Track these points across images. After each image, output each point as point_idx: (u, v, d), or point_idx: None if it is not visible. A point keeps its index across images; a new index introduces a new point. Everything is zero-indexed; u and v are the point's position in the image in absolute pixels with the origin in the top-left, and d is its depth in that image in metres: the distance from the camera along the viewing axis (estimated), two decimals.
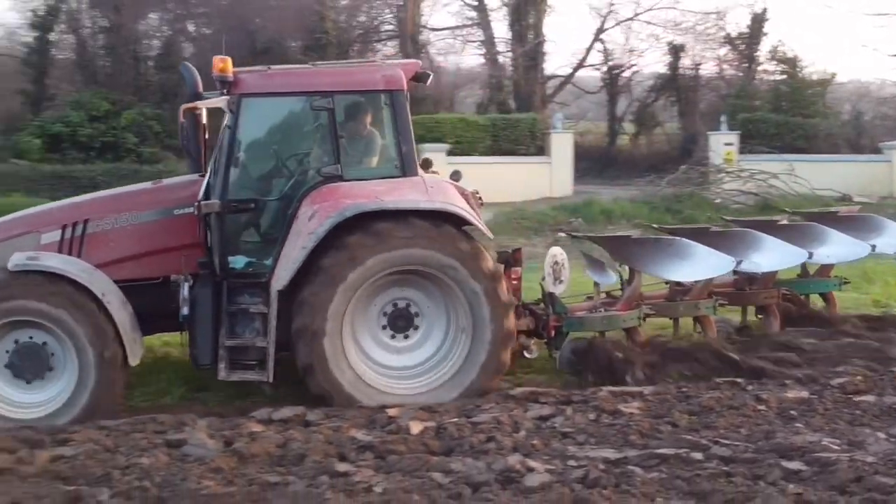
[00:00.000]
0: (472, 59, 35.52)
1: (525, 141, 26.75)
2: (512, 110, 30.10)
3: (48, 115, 27.39)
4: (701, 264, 8.63)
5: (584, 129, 34.67)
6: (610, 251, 9.50)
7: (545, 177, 25.38)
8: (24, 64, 29.08)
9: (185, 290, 7.77)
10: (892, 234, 10.02)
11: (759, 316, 9.78)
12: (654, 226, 12.03)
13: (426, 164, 9.12)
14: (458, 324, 7.79)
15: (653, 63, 36.89)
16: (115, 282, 7.82)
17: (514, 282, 8.52)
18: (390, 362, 7.96)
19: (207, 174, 8.10)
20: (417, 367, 7.94)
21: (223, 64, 7.78)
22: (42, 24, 28.92)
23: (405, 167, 7.98)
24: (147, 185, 9.28)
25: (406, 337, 7.98)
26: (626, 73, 34.43)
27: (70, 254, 8.05)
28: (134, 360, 7.70)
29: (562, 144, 26.25)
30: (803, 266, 9.90)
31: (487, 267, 7.72)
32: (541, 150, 26.62)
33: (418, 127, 25.08)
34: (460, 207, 7.81)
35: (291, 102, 8.41)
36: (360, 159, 8.28)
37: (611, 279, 9.47)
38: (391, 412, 6.96)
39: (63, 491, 5.51)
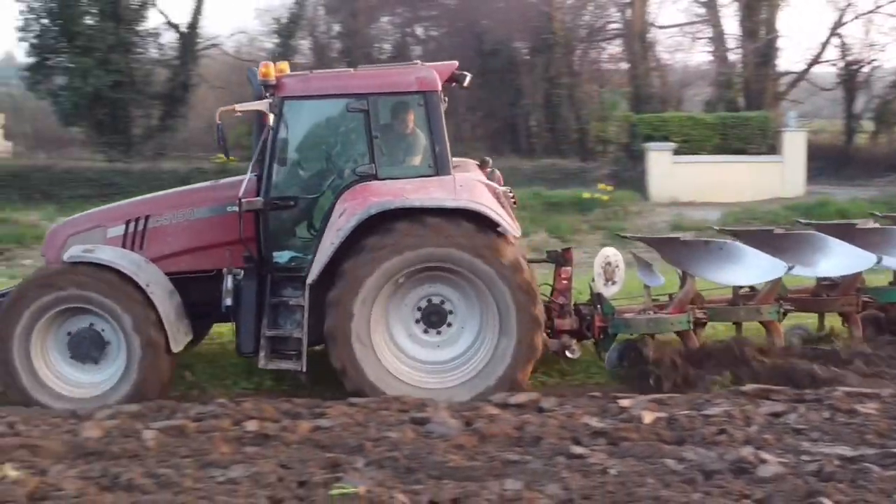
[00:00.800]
0: (700, 56, 34.88)
1: (755, 139, 25.98)
2: (741, 108, 29.28)
3: None
4: (751, 268, 8.47)
5: (818, 127, 33.10)
6: (661, 254, 9.38)
7: (776, 176, 24.57)
8: None
9: (227, 283, 8.36)
10: None
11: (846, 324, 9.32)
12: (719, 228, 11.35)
13: (483, 164, 9.35)
14: (489, 319, 8.04)
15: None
16: (173, 274, 8.52)
17: (565, 281, 8.73)
18: (424, 357, 8.30)
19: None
20: (452, 362, 8.23)
21: (266, 69, 8.26)
22: (285, 31, 31.11)
23: (438, 166, 8.24)
24: (207, 184, 9.92)
25: (439, 333, 8.31)
26: (866, 69, 32.54)
27: (132, 247, 8.74)
28: (176, 348, 8.26)
29: (795, 143, 25.30)
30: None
31: (509, 260, 7.87)
32: (772, 148, 25.77)
33: (645, 125, 25.27)
34: (485, 206, 7.93)
35: (330, 104, 8.78)
36: (394, 159, 8.56)
37: (659, 281, 9.26)
38: (623, 402, 7.21)
39: (323, 457, 6.21)
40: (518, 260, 8.05)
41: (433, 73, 8.41)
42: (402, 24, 33.28)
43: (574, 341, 8.65)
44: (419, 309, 8.35)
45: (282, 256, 8.52)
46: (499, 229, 7.98)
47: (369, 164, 8.32)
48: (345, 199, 8.15)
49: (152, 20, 30.15)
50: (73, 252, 8.41)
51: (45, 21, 28.12)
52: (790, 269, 8.44)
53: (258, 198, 8.33)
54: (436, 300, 8.31)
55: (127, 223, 8.88)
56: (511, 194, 8.88)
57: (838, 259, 8.72)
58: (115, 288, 8.10)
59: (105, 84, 26.26)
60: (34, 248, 16.26)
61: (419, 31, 33.75)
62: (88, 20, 27.88)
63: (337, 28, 32.84)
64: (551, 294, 8.90)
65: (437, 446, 6.32)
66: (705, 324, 9.06)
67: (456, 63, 9.03)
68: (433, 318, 8.33)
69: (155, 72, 29.75)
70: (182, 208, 8.97)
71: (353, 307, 7.88)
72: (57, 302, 8.15)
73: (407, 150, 8.66)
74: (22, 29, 28.36)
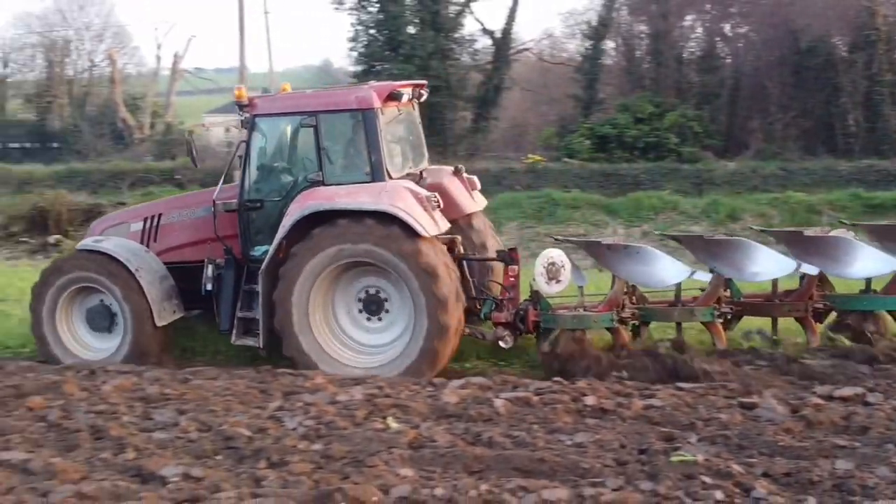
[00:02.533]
0: None
1: None
2: None
3: (597, 117, 30.34)
4: (666, 272, 9.15)
5: None
6: (591, 255, 10.25)
7: None
8: (577, 71, 32.48)
9: (208, 271, 9.82)
10: None
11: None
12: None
13: (457, 170, 10.54)
14: (410, 304, 9.08)
15: None
16: (177, 263, 10.18)
17: (512, 279, 9.56)
18: (368, 341, 9.54)
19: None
20: (391, 344, 9.40)
21: (238, 92, 9.81)
22: (595, 34, 32.05)
23: (374, 174, 9.36)
24: (209, 189, 10.96)
25: (380, 319, 9.52)
26: None
27: (147, 240, 10.43)
28: (160, 322, 9.81)
29: None
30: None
31: (413, 250, 8.85)
32: None
33: None
34: (399, 207, 8.93)
35: (289, 121, 10.04)
36: (338, 167, 9.73)
37: (584, 281, 9.84)
38: None
39: (658, 431, 6.97)
40: (420, 249, 8.88)
41: (371, 93, 9.57)
42: (710, 21, 33.09)
43: (507, 332, 9.46)
44: (360, 299, 9.56)
45: (256, 251, 9.80)
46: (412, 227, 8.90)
47: (318, 171, 9.56)
48: (296, 201, 9.42)
49: (468, 27, 32.32)
50: (83, 242, 10.48)
51: (373, 32, 31.07)
52: (692, 273, 9.17)
53: (233, 200, 9.85)
54: (372, 290, 9.48)
55: (145, 220, 10.61)
56: (435, 199, 9.36)
57: (761, 265, 9.16)
58: (112, 271, 9.83)
59: None
60: None
61: (726, 28, 33.36)
62: (411, 30, 30.48)
63: (643, 29, 33.30)
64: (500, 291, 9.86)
65: (766, 429, 6.87)
66: (648, 323, 9.69)
67: (393, 84, 10.14)
68: (372, 306, 9.53)
69: (469, 76, 31.78)
70: (185, 209, 10.63)
71: (291, 305, 9.19)
72: (68, 283, 10.01)
73: (348, 160, 9.86)
74: (352, 39, 31.54)
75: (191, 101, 50.14)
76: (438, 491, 5.63)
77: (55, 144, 45.12)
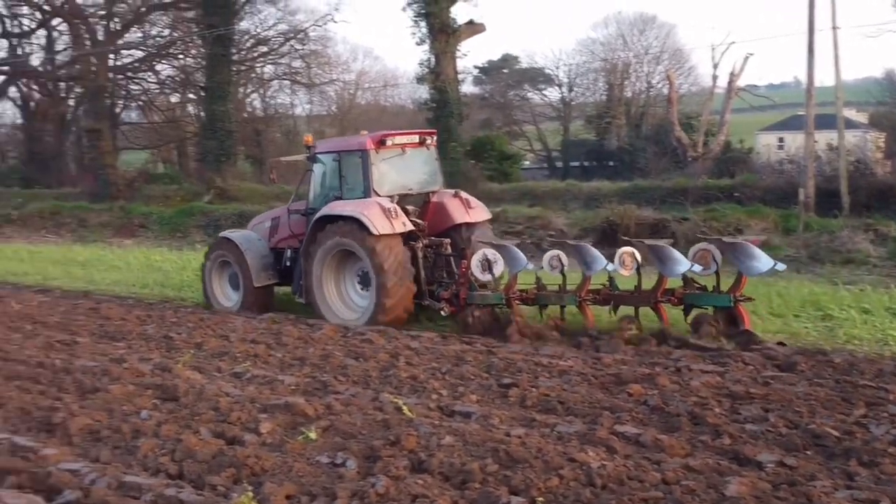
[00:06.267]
0: None
1: None
2: None
3: None
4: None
5: None
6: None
7: None
8: None
9: (287, 254, 15.62)
10: None
11: None
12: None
13: (456, 194, 15.10)
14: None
15: None
16: (280, 249, 15.80)
17: (463, 269, 13.44)
18: (359, 302, 14.42)
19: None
20: (366, 307, 14.06)
21: (307, 138, 15.65)
22: None
23: (365, 192, 14.15)
24: (301, 201, 15.84)
25: (367, 290, 14.10)
26: None
27: (270, 234, 16.12)
28: (257, 283, 15.45)
29: None
30: None
31: (370, 244, 13.39)
32: None
33: None
34: (362, 214, 13.48)
35: (329, 157, 15.06)
36: (349, 188, 14.57)
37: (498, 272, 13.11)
38: None
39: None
40: (372, 241, 13.36)
41: (366, 139, 14.41)
42: None
43: (445, 305, 13.63)
44: (358, 276, 14.48)
45: None
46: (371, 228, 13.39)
47: (339, 190, 14.69)
48: (322, 209, 14.48)
49: None
50: (224, 232, 17.21)
51: None
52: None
53: (301, 209, 15.46)
54: (364, 271, 14.15)
55: (271, 220, 16.42)
56: (394, 210, 13.68)
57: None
58: (232, 249, 15.77)
59: None
60: None
61: None
62: None
63: None
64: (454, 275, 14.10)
65: None
66: (532, 301, 13.22)
67: (387, 133, 14.79)
68: (365, 280, 14.17)
69: None
70: (284, 214, 16.08)
71: (311, 275, 14.48)
72: (216, 256, 16.20)
73: (354, 183, 14.52)
74: None
75: (744, 119, 50.73)
76: None
77: (611, 163, 48.84)
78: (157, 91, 51.90)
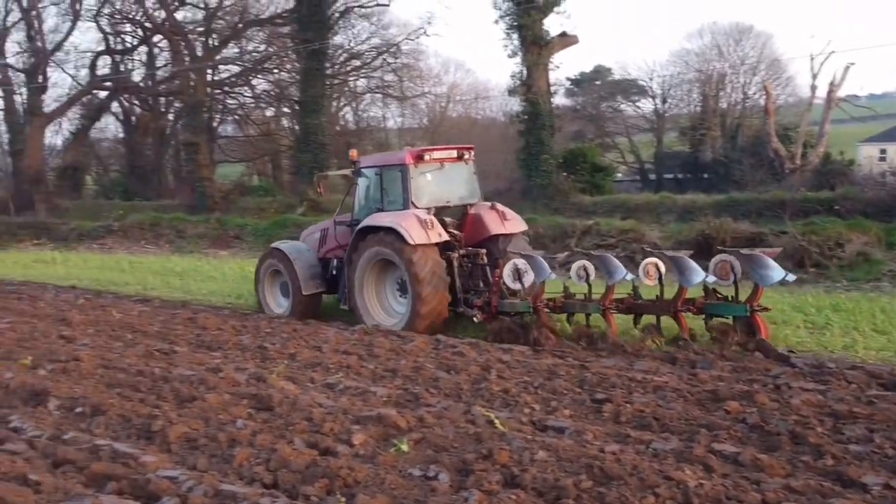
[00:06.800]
0: None
1: None
2: None
3: None
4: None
5: None
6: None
7: None
8: None
9: (333, 263, 16.46)
10: None
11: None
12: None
13: (493, 206, 15.59)
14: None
15: None
16: (333, 259, 16.54)
17: (496, 279, 13.97)
18: (397, 308, 15.12)
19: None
20: (403, 313, 14.67)
21: (353, 153, 16.91)
22: None
23: (404, 204, 14.81)
24: (346, 214, 16.68)
25: (405, 296, 14.69)
26: None
27: (320, 245, 17.08)
28: (305, 291, 16.38)
29: None
30: None
31: (407, 254, 13.98)
32: None
33: None
34: (400, 225, 14.09)
35: (372, 172, 15.79)
36: (389, 200, 15.19)
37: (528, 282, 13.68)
38: None
39: None
40: (409, 251, 13.96)
41: (406, 154, 15.06)
42: None
43: (478, 312, 14.11)
44: (397, 283, 15.13)
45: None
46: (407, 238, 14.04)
47: (381, 202, 15.36)
48: (364, 221, 15.20)
49: None
50: (274, 243, 17.91)
51: None
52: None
53: (347, 219, 16.37)
54: (402, 279, 14.67)
55: (320, 231, 17.35)
56: (430, 221, 14.30)
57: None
58: (283, 259, 16.71)
59: None
60: None
61: None
62: None
63: None
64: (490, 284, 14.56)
65: None
66: (560, 310, 13.57)
67: (424, 148, 15.63)
68: (404, 287, 14.76)
69: None
70: (330, 227, 17.06)
71: (353, 282, 15.24)
72: (268, 266, 17.19)
73: (394, 196, 15.13)
74: None
75: (844, 130, 49.40)
76: None
77: (706, 175, 48.02)
78: (253, 105, 53.13)
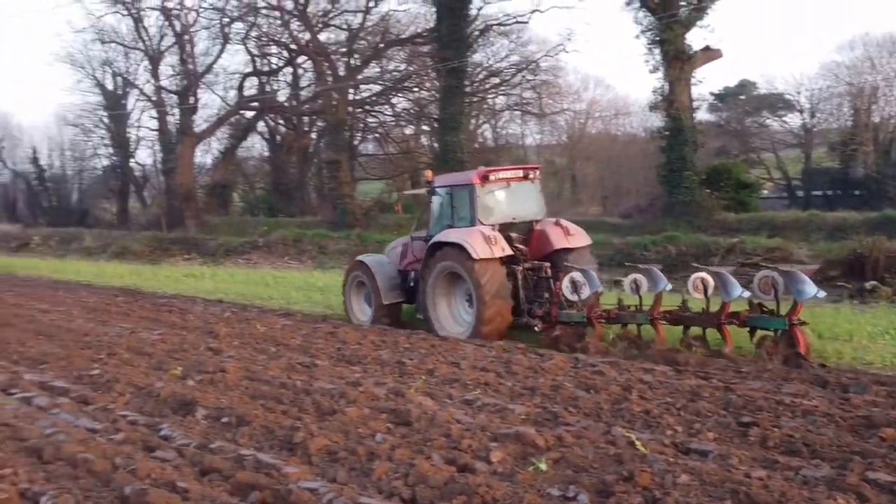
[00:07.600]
0: None
1: None
2: None
3: None
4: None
5: None
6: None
7: None
8: None
9: (411, 275, 17.65)
10: None
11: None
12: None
13: (557, 222, 16.58)
14: None
15: None
16: (411, 271, 17.70)
17: (557, 291, 15.09)
18: (466, 318, 16.04)
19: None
20: (471, 322, 15.66)
21: (428, 174, 17.91)
22: None
23: (471, 221, 16.04)
24: (422, 230, 17.93)
25: (472, 307, 15.63)
26: None
27: (401, 258, 18.26)
28: (385, 301, 17.68)
29: None
30: None
31: (472, 267, 15.14)
32: None
33: None
34: (465, 241, 15.24)
35: (444, 191, 16.98)
36: (459, 217, 16.41)
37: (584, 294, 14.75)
38: None
39: None
40: (474, 265, 15.02)
41: (473, 175, 16.17)
42: None
43: (539, 322, 15.26)
44: (466, 295, 15.91)
45: None
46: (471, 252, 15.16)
47: (451, 219, 16.44)
48: (435, 236, 16.30)
49: None
50: (359, 256, 19.40)
51: None
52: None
53: (423, 235, 17.38)
54: (471, 290, 15.44)
55: (402, 245, 18.61)
56: (494, 237, 15.37)
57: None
58: (366, 271, 18.12)
59: None
60: None
61: None
62: None
63: None
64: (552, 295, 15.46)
65: None
66: (613, 320, 14.48)
67: (489, 169, 16.52)
68: (472, 299, 15.51)
69: None
70: (410, 241, 18.18)
71: (426, 293, 16.35)
72: (353, 277, 18.63)
73: (462, 213, 16.25)
74: None
75: None
76: None
77: (857, 191, 46.01)
78: (393, 123, 54.10)
